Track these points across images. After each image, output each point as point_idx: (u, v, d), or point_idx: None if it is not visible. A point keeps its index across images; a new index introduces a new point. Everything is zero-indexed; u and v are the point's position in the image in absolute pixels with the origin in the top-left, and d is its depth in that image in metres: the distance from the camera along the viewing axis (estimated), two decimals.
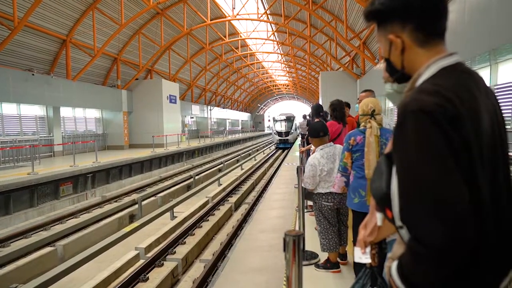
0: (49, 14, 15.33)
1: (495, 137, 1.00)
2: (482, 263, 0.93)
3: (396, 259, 1.00)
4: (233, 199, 11.73)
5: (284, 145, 31.38)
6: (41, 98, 16.04)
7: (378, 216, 1.32)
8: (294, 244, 1.36)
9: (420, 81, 1.03)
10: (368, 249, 1.36)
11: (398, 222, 1.01)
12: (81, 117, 20.97)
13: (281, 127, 31.93)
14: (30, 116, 16.93)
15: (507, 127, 7.46)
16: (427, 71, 1.02)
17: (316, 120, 5.43)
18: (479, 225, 0.90)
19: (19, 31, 13.35)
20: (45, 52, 16.49)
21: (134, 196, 12.24)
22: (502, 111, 1.09)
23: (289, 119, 32.40)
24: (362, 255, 1.34)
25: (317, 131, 3.76)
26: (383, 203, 1.11)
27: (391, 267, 1.01)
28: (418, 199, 0.89)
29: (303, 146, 7.90)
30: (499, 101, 1.09)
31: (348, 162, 3.12)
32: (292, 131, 31.59)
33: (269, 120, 41.61)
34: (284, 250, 1.38)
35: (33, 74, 15.20)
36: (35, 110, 17.17)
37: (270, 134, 43.18)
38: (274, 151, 30.06)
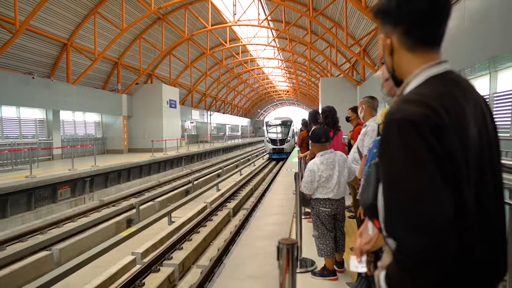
0: (51, 18, 15.39)
1: (483, 147, 0.98)
2: (468, 275, 0.92)
3: (385, 269, 0.99)
4: (231, 204, 11.69)
5: (279, 155, 26.41)
6: (41, 102, 16.06)
7: (369, 226, 1.30)
8: (288, 253, 1.34)
9: (408, 90, 1.02)
10: (364, 258, 1.34)
11: (385, 232, 0.99)
12: (80, 121, 20.97)
13: (276, 133, 27.07)
14: (29, 120, 16.92)
15: (507, 134, 7.43)
16: (414, 80, 1.01)
17: (314, 127, 5.44)
18: (464, 237, 0.89)
19: (20, 35, 13.38)
20: (46, 55, 16.53)
21: (132, 200, 12.19)
22: (494, 120, 1.07)
23: (286, 124, 27.48)
24: (358, 264, 1.32)
25: (318, 136, 3.76)
26: (370, 213, 1.10)
27: (380, 276, 1.00)
28: (400, 210, 0.88)
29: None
30: (491, 110, 1.08)
31: None
32: (289, 138, 26.62)
33: (262, 125, 33.10)
34: (278, 258, 1.35)
35: (33, 78, 15.23)
36: (35, 114, 17.16)
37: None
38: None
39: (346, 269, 3.86)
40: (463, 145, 0.91)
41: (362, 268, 1.30)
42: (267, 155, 28.65)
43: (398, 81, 1.10)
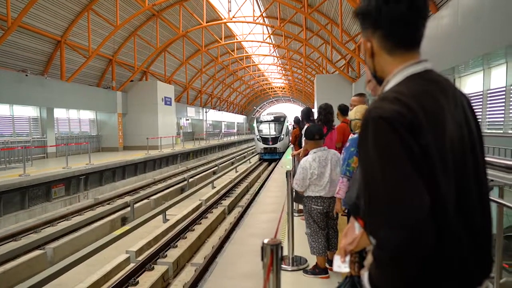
0: (44, 15, 15.25)
1: (464, 145, 0.99)
2: (448, 272, 0.93)
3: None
4: (226, 202, 11.70)
5: (271, 155, 23.74)
6: (34, 99, 15.93)
7: (356, 225, 1.30)
8: (272, 253, 1.33)
9: (387, 88, 1.04)
10: (348, 258, 1.34)
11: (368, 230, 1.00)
12: (75, 118, 20.86)
13: (268, 130, 24.37)
14: (23, 117, 16.80)
15: (499, 131, 7.47)
16: (393, 79, 1.03)
17: (307, 125, 5.44)
18: (443, 234, 0.90)
19: (13, 32, 13.25)
20: (39, 53, 16.39)
21: (127, 198, 12.16)
22: (477, 119, 1.08)
23: (279, 121, 24.81)
24: (341, 264, 1.31)
25: (312, 133, 3.77)
26: (354, 212, 1.10)
27: (364, 276, 1.01)
28: (377, 205, 0.90)
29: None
30: (473, 108, 1.09)
31: (356, 166, 3.10)
32: (282, 136, 23.93)
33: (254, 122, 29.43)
34: (262, 259, 1.35)
35: (26, 75, 15.09)
36: (29, 111, 17.04)
37: None
38: None
39: None
40: (439, 142, 0.92)
41: (345, 268, 1.30)
42: (258, 156, 25.54)
43: (380, 81, 1.11)
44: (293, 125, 8.70)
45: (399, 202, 0.86)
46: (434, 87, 0.99)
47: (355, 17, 1.10)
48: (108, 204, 11.85)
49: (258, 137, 24.39)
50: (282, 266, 3.92)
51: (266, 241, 1.35)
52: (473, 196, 0.99)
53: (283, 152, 22.61)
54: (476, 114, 1.08)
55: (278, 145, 23.61)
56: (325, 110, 5.08)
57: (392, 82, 1.03)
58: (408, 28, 1.01)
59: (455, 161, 0.95)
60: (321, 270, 3.69)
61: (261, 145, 24.11)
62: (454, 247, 0.93)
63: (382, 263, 0.90)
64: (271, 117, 25.31)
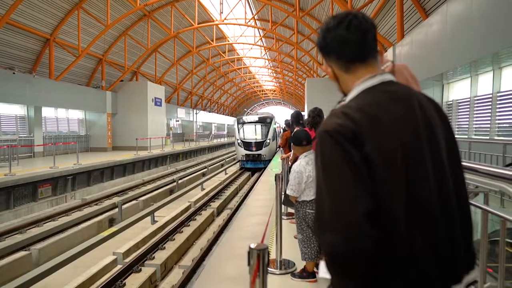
0: (33, 12, 15.06)
1: (422, 152, 1.02)
2: (401, 277, 0.96)
3: None
4: (215, 204, 11.65)
5: (254, 164, 19.57)
6: (22, 98, 15.70)
7: None
8: (258, 258, 1.34)
9: (344, 103, 1.12)
10: None
11: None
12: (63, 117, 20.61)
13: (251, 134, 20.22)
14: (10, 116, 16.54)
15: (485, 137, 7.59)
16: (350, 94, 1.13)
17: (296, 128, 5.47)
18: (392, 237, 0.95)
19: (0, 29, 13.06)
20: (28, 50, 16.18)
21: (115, 199, 12.03)
22: (448, 122, 1.13)
23: (264, 122, 20.45)
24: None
25: (300, 139, 3.77)
26: None
27: (321, 265, 1.05)
28: (321, 210, 0.96)
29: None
30: (444, 114, 1.14)
31: None
32: (268, 140, 19.78)
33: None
34: (249, 263, 1.35)
35: (14, 73, 14.89)
36: (16, 110, 16.78)
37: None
38: None
39: None
40: (387, 150, 0.97)
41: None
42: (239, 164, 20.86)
43: None
44: (284, 128, 8.73)
45: (338, 208, 0.92)
46: (385, 97, 1.05)
47: (319, 51, 1.22)
48: (96, 205, 11.70)
49: (238, 141, 20.12)
50: (270, 269, 3.92)
51: (252, 245, 1.35)
52: (432, 205, 1.00)
53: (269, 160, 18.94)
54: (446, 118, 1.13)
55: (263, 151, 19.46)
56: (313, 112, 5.12)
57: (348, 97, 1.13)
58: (352, 47, 1.10)
59: (410, 168, 0.99)
60: (309, 274, 3.69)
61: (242, 151, 19.83)
62: (407, 256, 0.96)
63: (328, 266, 0.96)
64: (255, 118, 20.96)
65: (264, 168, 17.09)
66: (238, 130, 20.44)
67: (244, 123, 20.62)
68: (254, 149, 19.46)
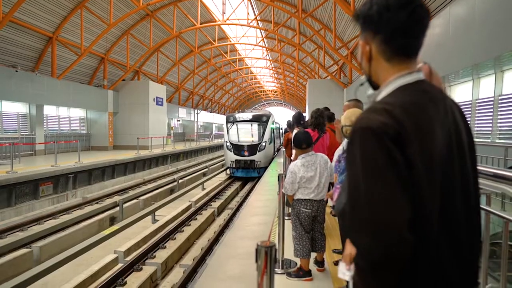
0: (36, 11, 15.08)
1: (453, 156, 1.00)
2: (429, 283, 0.95)
3: None
4: (216, 204, 11.67)
5: (247, 173, 16.32)
6: (24, 96, 15.73)
7: None
8: (266, 255, 1.35)
9: (378, 98, 1.05)
10: (353, 266, 1.34)
11: None
12: (65, 116, 20.63)
13: (242, 135, 16.97)
14: (12, 114, 16.57)
15: (487, 140, 7.58)
16: (385, 90, 1.05)
17: (296, 129, 5.52)
18: (424, 245, 0.92)
19: (4, 27, 13.08)
20: (30, 49, 16.20)
21: (116, 198, 12.06)
22: (469, 129, 1.10)
23: (259, 121, 17.27)
24: (346, 271, 1.30)
25: (300, 142, 3.80)
26: (342, 219, 1.11)
27: (340, 265, 1.05)
28: (358, 214, 0.91)
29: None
30: (465, 118, 1.10)
31: None
32: (263, 143, 16.50)
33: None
34: (256, 261, 1.37)
35: (16, 71, 14.91)
36: (18, 108, 16.81)
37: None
38: None
39: (326, 268, 3.91)
40: (426, 153, 0.93)
41: (349, 276, 1.29)
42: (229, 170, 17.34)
43: (374, 86, 1.13)
44: (285, 129, 8.74)
45: (379, 214, 0.87)
46: (424, 97, 1.00)
47: (355, 19, 1.10)
48: (97, 203, 11.73)
49: (227, 144, 16.81)
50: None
51: (260, 243, 1.37)
52: (458, 208, 0.99)
53: (265, 168, 16.04)
54: (467, 122, 1.10)
55: (257, 156, 16.15)
56: (316, 113, 5.15)
57: (383, 93, 1.05)
58: (407, 37, 1.02)
59: (443, 173, 0.96)
60: (305, 273, 3.73)
61: (231, 156, 16.46)
62: (435, 259, 0.94)
63: (362, 271, 0.92)
64: (249, 116, 17.71)
65: (259, 178, 14.23)
66: (228, 130, 17.21)
67: (234, 121, 17.26)
68: (246, 154, 16.23)
